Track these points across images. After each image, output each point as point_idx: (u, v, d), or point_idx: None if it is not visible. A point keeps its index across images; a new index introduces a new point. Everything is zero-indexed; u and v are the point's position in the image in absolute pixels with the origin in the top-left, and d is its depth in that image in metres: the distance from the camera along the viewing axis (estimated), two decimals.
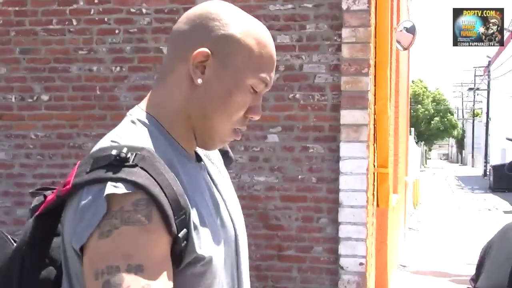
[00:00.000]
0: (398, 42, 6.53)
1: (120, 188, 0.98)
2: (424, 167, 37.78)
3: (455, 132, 56.94)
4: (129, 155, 1.03)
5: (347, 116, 4.42)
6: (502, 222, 9.20)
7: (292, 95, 4.57)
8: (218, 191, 1.24)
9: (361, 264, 4.34)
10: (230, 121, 1.16)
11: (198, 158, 1.25)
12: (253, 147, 4.65)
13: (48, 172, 5.10)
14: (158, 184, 1.01)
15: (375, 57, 4.72)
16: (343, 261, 4.39)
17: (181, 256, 1.05)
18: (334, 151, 4.48)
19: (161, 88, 1.18)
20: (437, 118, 48.74)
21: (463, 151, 62.01)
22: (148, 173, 1.01)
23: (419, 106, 46.05)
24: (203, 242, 1.08)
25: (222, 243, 1.15)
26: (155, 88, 1.21)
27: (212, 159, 1.30)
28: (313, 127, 4.56)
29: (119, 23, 4.99)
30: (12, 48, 5.19)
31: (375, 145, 5.09)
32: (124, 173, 1.00)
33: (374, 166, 5.04)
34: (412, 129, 20.95)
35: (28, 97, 5.17)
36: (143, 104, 1.19)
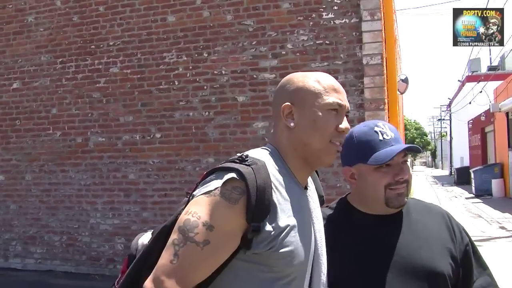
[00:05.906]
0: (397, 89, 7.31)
1: (231, 174, 1.21)
2: (412, 171, 46.62)
3: (429, 147, 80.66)
4: (247, 158, 1.25)
5: None
6: (465, 205, 14.12)
7: None
8: (312, 219, 1.39)
9: None
10: (324, 139, 1.33)
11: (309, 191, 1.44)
12: None
13: (162, 187, 6.01)
14: (257, 183, 1.19)
15: (388, 97, 5.54)
16: None
17: (250, 242, 1.20)
18: None
19: (275, 132, 1.41)
20: (418, 140, 68.53)
21: (436, 159, 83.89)
22: (254, 174, 1.20)
23: (407, 132, 61.66)
24: (279, 244, 1.20)
25: (299, 257, 1.26)
26: (273, 131, 1.43)
27: (314, 198, 1.46)
28: None
29: (206, 81, 5.96)
30: (135, 103, 6.16)
31: None
32: (238, 166, 1.22)
33: None
34: None
35: (147, 136, 6.08)
36: (270, 141, 1.42)
